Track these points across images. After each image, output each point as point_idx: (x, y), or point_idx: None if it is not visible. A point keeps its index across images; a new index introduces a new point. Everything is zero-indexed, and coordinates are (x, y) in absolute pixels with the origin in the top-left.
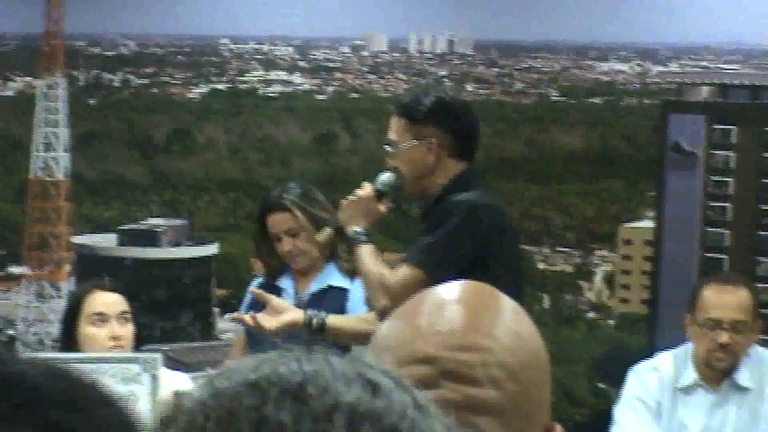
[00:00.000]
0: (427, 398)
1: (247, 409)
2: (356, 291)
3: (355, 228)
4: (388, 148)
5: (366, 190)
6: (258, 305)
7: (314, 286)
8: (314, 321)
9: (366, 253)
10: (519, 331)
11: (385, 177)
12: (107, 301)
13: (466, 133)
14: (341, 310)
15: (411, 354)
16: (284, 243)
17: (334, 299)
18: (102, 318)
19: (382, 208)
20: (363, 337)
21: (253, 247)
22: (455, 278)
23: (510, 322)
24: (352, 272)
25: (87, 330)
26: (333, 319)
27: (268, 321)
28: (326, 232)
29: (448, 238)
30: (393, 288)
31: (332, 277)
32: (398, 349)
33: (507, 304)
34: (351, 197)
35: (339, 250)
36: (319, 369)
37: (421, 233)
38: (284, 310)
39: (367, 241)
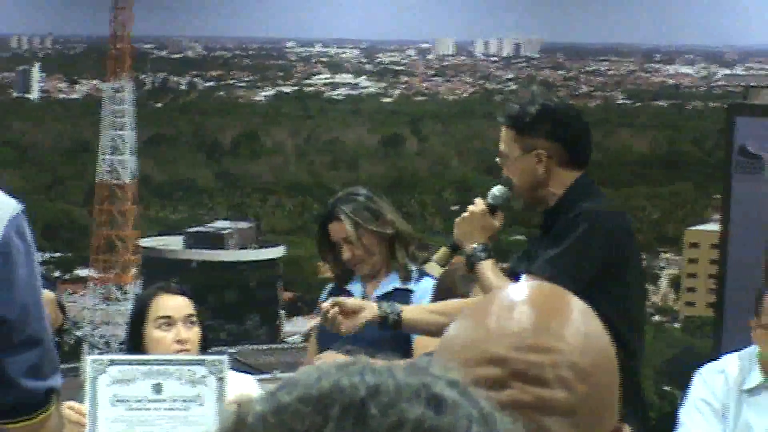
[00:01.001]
0: (495, 407)
1: (308, 428)
2: (419, 291)
3: (473, 245)
4: (499, 159)
5: (479, 205)
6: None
7: (379, 290)
8: (390, 317)
9: (488, 269)
10: (588, 332)
11: (497, 190)
12: (173, 304)
13: (576, 141)
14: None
15: (480, 355)
16: (344, 251)
17: (399, 301)
18: (168, 321)
19: (496, 222)
20: (438, 329)
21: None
22: (587, 288)
23: (579, 323)
24: (407, 278)
25: (153, 333)
26: (408, 313)
27: (344, 324)
28: (441, 251)
29: (576, 248)
30: None
31: (397, 281)
32: (467, 350)
33: (576, 304)
34: (464, 214)
35: (398, 256)
36: (382, 382)
37: (541, 244)
38: (360, 309)
39: (487, 257)
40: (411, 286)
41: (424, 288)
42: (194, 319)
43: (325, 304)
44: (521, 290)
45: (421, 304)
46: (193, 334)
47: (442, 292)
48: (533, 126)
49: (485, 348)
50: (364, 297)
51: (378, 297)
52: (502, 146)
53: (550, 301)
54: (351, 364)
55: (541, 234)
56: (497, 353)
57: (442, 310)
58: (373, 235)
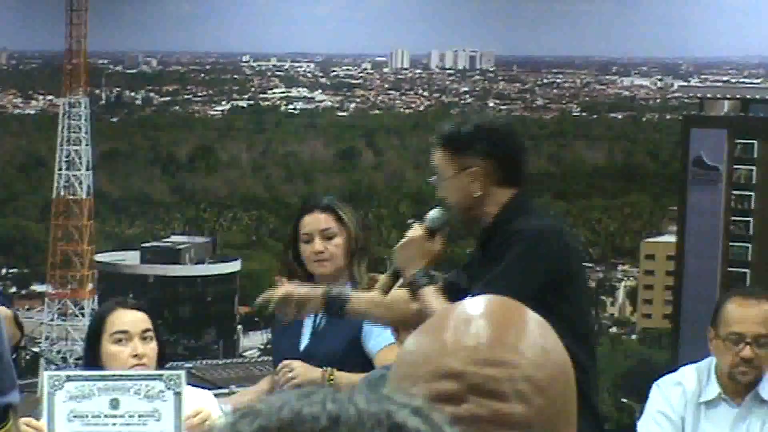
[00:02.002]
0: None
1: None
2: None
3: (413, 271)
4: (432, 180)
5: (416, 230)
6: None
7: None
8: (334, 306)
9: (430, 295)
10: (545, 345)
11: (434, 213)
12: (129, 319)
13: (511, 159)
14: (358, 327)
15: (437, 369)
16: (316, 243)
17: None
18: (125, 336)
19: (436, 245)
20: (382, 322)
21: (280, 256)
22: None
23: (535, 336)
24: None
25: (110, 348)
26: (353, 304)
27: (292, 314)
28: (383, 279)
29: (515, 268)
30: None
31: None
32: (425, 364)
33: (532, 318)
34: (403, 240)
35: (357, 272)
36: (343, 412)
37: (479, 263)
38: (308, 301)
39: (428, 282)
40: None
41: None
42: (151, 334)
43: (276, 295)
44: (478, 304)
45: (371, 294)
46: (150, 349)
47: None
48: (467, 145)
49: (442, 362)
50: None
51: None
52: (436, 165)
53: (506, 314)
54: (312, 392)
55: (479, 251)
56: (454, 367)
57: (388, 304)
58: (346, 239)
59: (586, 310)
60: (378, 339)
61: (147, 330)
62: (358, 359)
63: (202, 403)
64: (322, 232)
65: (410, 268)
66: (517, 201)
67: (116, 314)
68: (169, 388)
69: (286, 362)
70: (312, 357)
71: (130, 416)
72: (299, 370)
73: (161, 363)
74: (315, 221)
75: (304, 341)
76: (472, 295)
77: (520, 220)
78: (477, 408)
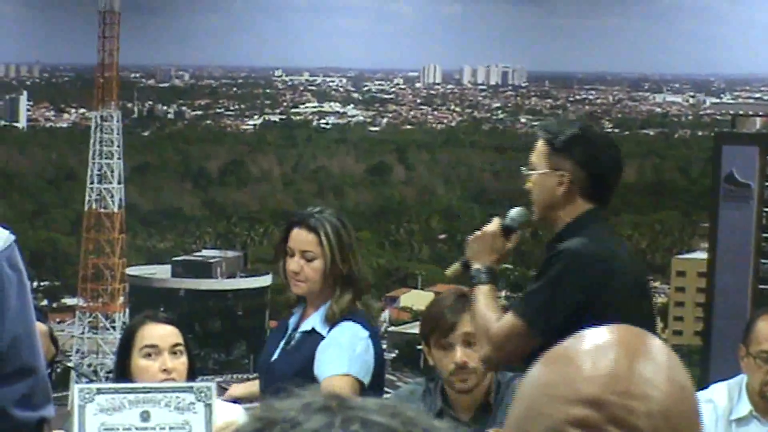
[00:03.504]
0: None
1: None
2: (328, 339)
3: (478, 265)
4: (524, 169)
5: (493, 225)
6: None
7: (306, 324)
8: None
9: (481, 294)
10: (681, 382)
11: (515, 212)
12: (160, 333)
13: (601, 175)
14: (311, 355)
15: (574, 394)
16: (294, 262)
17: (312, 342)
18: (154, 350)
19: (509, 244)
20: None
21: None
22: (562, 328)
23: (671, 370)
24: (331, 320)
25: (139, 362)
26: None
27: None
28: (454, 267)
29: (550, 289)
30: (494, 337)
31: (319, 320)
32: (559, 388)
33: (663, 348)
34: (477, 233)
35: (335, 303)
36: None
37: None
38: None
39: (487, 280)
40: (324, 331)
41: (332, 337)
42: (181, 348)
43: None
44: (609, 332)
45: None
46: (180, 363)
47: (429, 321)
48: (566, 147)
49: (579, 387)
50: (295, 328)
51: (301, 333)
52: (533, 157)
53: (638, 344)
54: (332, 411)
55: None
56: (594, 394)
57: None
58: (327, 265)
59: None
60: (326, 367)
61: (177, 344)
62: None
63: (232, 416)
64: (301, 252)
65: (477, 261)
66: (587, 217)
67: (146, 328)
68: (199, 400)
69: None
70: (272, 373)
71: (161, 428)
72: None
73: (191, 377)
74: (299, 239)
75: (276, 354)
76: (511, 307)
77: (573, 239)
78: None
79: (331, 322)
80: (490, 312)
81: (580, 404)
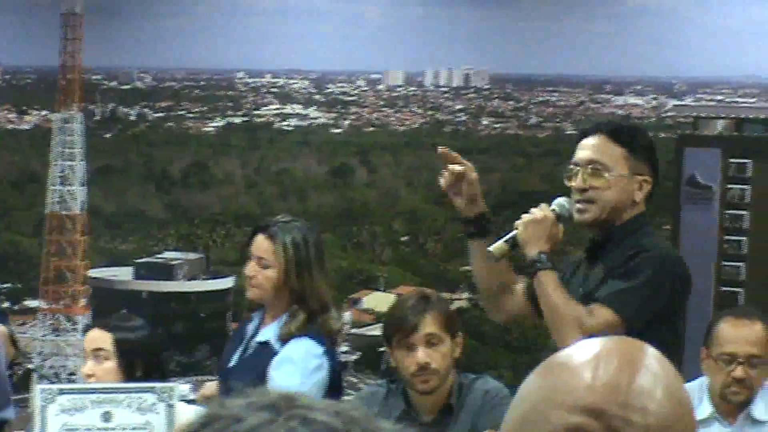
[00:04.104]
0: None
1: None
2: (280, 356)
3: (538, 250)
4: (592, 167)
5: (545, 210)
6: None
7: (262, 335)
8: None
9: (552, 282)
10: (679, 396)
11: (563, 201)
12: (87, 338)
13: (657, 181)
14: (265, 368)
15: (574, 402)
16: (250, 266)
17: (266, 356)
18: (84, 354)
19: (559, 233)
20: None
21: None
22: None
23: (670, 384)
24: (285, 338)
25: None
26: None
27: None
28: (499, 245)
29: (646, 289)
30: (590, 330)
31: (274, 334)
32: (559, 395)
33: (660, 360)
34: (534, 215)
35: (292, 315)
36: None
37: (586, 268)
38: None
39: (550, 267)
40: (277, 346)
41: (285, 352)
42: (105, 353)
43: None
44: (611, 343)
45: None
46: (101, 368)
47: (392, 322)
48: (645, 154)
49: (580, 396)
50: (252, 337)
51: (258, 343)
52: (604, 158)
53: (637, 356)
54: (276, 410)
55: (587, 258)
56: (595, 403)
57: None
58: (281, 276)
59: (682, 342)
60: (281, 382)
61: (99, 349)
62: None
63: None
64: (258, 258)
65: (533, 247)
66: (643, 218)
67: (88, 333)
68: (161, 401)
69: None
70: (229, 379)
71: (122, 429)
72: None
73: (142, 380)
74: (258, 245)
75: (233, 360)
76: (599, 300)
77: (647, 238)
78: None
79: (286, 339)
80: (572, 301)
81: (579, 412)
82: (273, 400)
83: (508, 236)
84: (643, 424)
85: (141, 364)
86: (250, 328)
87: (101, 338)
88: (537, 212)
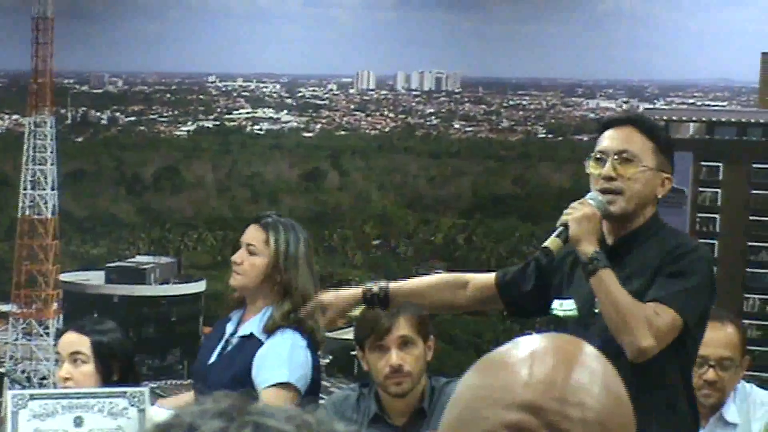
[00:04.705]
0: None
1: None
2: (267, 347)
3: (593, 248)
4: (623, 156)
5: (590, 206)
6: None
7: (244, 329)
8: (374, 301)
9: (614, 281)
10: (617, 391)
11: (597, 195)
12: (64, 341)
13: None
14: (250, 360)
15: (511, 399)
16: (238, 254)
17: (250, 348)
18: (60, 358)
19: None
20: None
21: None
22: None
23: (607, 379)
24: (271, 328)
25: (57, 370)
26: (394, 290)
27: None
28: (556, 242)
29: (703, 289)
30: (660, 331)
31: (258, 326)
32: (496, 392)
33: (597, 357)
34: (585, 212)
35: (277, 307)
36: None
37: (630, 268)
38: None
39: (606, 264)
40: (263, 337)
41: (272, 344)
42: (83, 357)
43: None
44: (546, 339)
45: (414, 280)
46: (78, 372)
47: (365, 324)
48: (669, 151)
49: (517, 392)
50: (232, 334)
51: (240, 337)
52: (636, 149)
53: (574, 353)
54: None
55: (605, 251)
56: (533, 400)
57: (435, 285)
58: (266, 263)
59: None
60: (266, 375)
61: (76, 353)
62: (245, 388)
63: None
64: (247, 245)
65: (588, 244)
66: (658, 217)
67: (63, 337)
68: (132, 405)
69: None
70: (209, 377)
71: None
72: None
73: (121, 384)
74: (249, 233)
75: (212, 358)
76: (661, 300)
77: (682, 237)
78: None
79: (270, 329)
80: (637, 301)
81: (516, 409)
82: (225, 408)
83: (559, 232)
84: (581, 418)
85: (117, 367)
86: (229, 326)
87: (78, 341)
88: (586, 208)
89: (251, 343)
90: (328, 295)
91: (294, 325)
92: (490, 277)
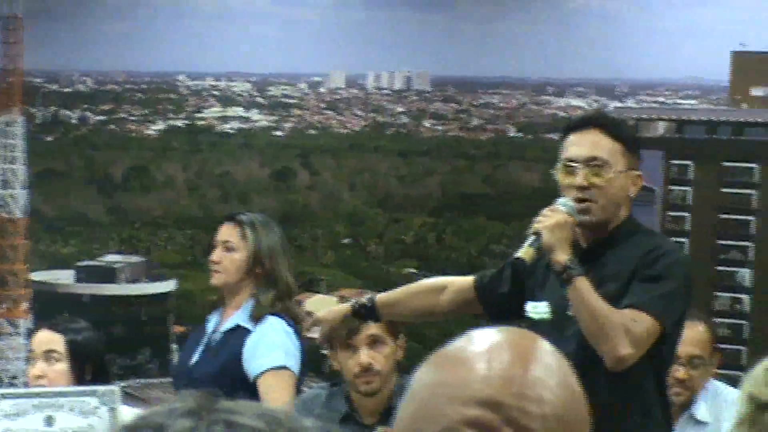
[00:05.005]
0: None
1: None
2: (257, 334)
3: (567, 256)
4: (594, 164)
5: (561, 212)
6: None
7: (228, 323)
8: (362, 313)
9: (590, 289)
10: (572, 386)
11: (567, 201)
12: (38, 339)
13: None
14: (239, 350)
15: (470, 395)
16: (215, 254)
17: (238, 338)
18: (33, 356)
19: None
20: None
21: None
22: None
23: (563, 374)
24: (258, 315)
25: (28, 368)
26: (381, 300)
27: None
28: (530, 251)
29: (680, 293)
30: (640, 338)
31: (245, 318)
32: (454, 388)
33: (553, 352)
34: (558, 219)
35: (261, 297)
36: None
37: (603, 271)
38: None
39: (580, 273)
40: (251, 326)
41: (262, 331)
42: (56, 355)
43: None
44: (501, 334)
45: (400, 289)
46: (52, 370)
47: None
48: (636, 147)
49: (476, 388)
50: (214, 330)
51: (223, 333)
52: (603, 154)
53: (530, 347)
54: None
55: (579, 255)
56: (492, 396)
57: (417, 292)
58: (245, 257)
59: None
60: (261, 361)
61: (51, 351)
62: (232, 382)
63: None
64: (223, 242)
65: (562, 252)
66: (633, 217)
67: (36, 334)
68: (104, 404)
69: None
70: (193, 374)
71: None
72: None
73: (91, 383)
74: (223, 231)
75: (195, 357)
76: (638, 306)
77: (658, 238)
78: None
79: (258, 317)
80: (614, 309)
81: (475, 405)
82: (193, 406)
83: (532, 240)
84: (540, 413)
85: (90, 366)
86: (209, 326)
87: (53, 340)
88: (558, 215)
89: (238, 334)
90: (320, 312)
91: (280, 313)
92: (468, 280)
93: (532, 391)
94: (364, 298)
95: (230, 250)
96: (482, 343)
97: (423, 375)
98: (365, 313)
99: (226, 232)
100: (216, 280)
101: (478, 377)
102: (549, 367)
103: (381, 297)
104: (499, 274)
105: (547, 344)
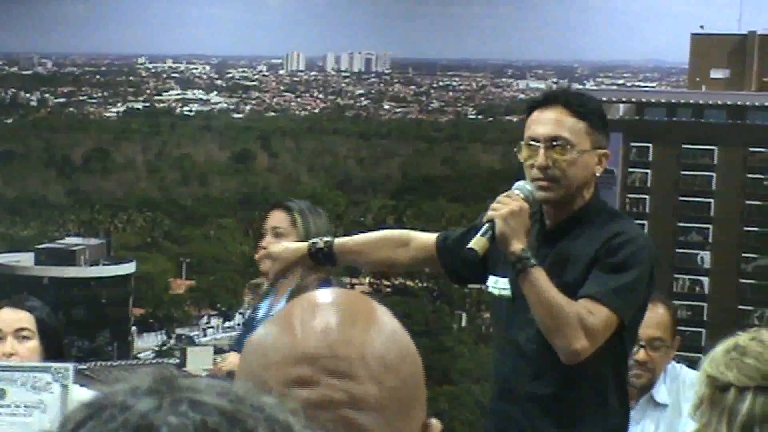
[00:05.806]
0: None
1: None
2: None
3: (521, 246)
4: (556, 143)
5: (519, 200)
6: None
7: (276, 309)
8: (319, 256)
9: (545, 280)
10: (394, 328)
11: (524, 184)
12: (5, 317)
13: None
14: None
15: (290, 355)
16: (265, 240)
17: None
18: (1, 334)
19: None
20: (365, 261)
21: (174, 258)
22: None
23: (384, 321)
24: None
25: None
26: (339, 246)
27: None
28: (483, 242)
29: (639, 284)
30: (594, 331)
31: (282, 304)
32: (277, 351)
33: (379, 307)
34: (513, 207)
35: (302, 278)
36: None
37: (542, 245)
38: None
39: (534, 264)
40: None
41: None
42: (27, 333)
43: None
44: (327, 294)
45: (360, 236)
46: (24, 348)
47: None
48: (602, 124)
49: (294, 347)
50: (269, 310)
51: (263, 317)
52: (565, 133)
53: (355, 302)
54: (163, 392)
55: (543, 234)
56: (306, 351)
57: (377, 242)
58: (295, 241)
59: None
60: None
61: (22, 329)
62: None
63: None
64: (274, 228)
65: (517, 242)
66: (599, 197)
67: (2, 312)
68: (56, 381)
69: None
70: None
71: (16, 406)
72: (231, 359)
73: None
74: (272, 217)
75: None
76: (595, 298)
77: (621, 221)
78: (331, 391)
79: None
80: (569, 300)
81: (296, 364)
82: (154, 385)
83: (484, 230)
84: (358, 356)
85: (56, 344)
86: (260, 313)
87: (23, 318)
88: (512, 203)
89: None
90: (277, 246)
91: None
92: (431, 238)
93: (347, 335)
94: (321, 242)
95: (281, 235)
96: (309, 304)
97: (253, 339)
98: (322, 257)
99: (277, 218)
100: (263, 266)
101: (298, 337)
102: (376, 323)
103: (339, 242)
104: (462, 236)
105: (381, 307)
